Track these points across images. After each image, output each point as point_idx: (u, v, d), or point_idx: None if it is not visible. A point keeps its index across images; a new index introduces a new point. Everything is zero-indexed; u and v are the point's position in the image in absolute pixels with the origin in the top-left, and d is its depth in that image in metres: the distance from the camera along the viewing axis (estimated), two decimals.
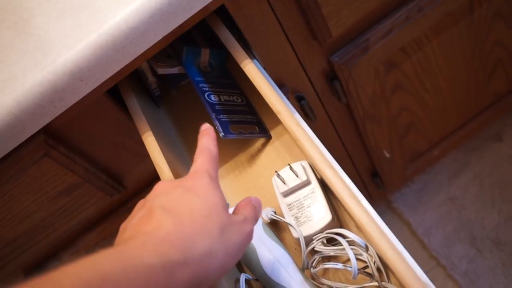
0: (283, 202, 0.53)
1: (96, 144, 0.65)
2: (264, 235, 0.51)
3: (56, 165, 0.60)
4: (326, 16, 0.64)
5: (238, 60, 0.57)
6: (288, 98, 0.72)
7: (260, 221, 0.53)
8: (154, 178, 0.75)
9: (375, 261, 0.46)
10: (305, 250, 0.49)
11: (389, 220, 1.24)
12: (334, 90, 0.77)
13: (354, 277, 0.45)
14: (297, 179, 0.52)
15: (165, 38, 0.53)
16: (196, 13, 0.53)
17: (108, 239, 0.76)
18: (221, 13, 0.59)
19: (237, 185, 0.60)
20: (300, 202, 0.52)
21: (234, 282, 0.49)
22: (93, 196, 0.67)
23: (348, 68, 0.73)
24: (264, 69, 0.64)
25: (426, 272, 0.43)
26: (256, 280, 0.51)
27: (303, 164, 0.54)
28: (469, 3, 0.76)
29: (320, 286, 0.49)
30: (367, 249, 0.46)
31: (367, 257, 0.46)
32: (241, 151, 0.62)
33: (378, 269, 0.46)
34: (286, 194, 0.53)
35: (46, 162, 0.59)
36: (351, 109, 0.82)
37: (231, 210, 0.54)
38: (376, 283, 0.46)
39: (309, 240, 0.50)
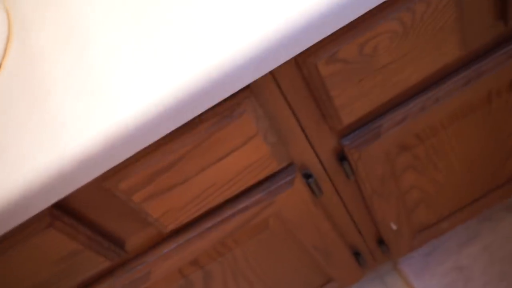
0: None
1: (100, 210, 0.66)
2: None
3: (59, 234, 0.61)
4: (338, 108, 0.64)
5: None
6: (295, 176, 0.72)
7: None
8: (156, 242, 0.75)
9: None
10: None
11: (394, 282, 1.22)
12: (343, 169, 0.77)
13: None
14: None
15: None
16: None
17: None
18: None
19: None
20: None
21: None
22: (94, 261, 0.68)
23: (358, 151, 0.73)
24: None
25: None
26: None
27: None
28: (488, 94, 0.75)
29: None
30: None
31: None
32: None
33: None
34: None
35: (50, 233, 0.60)
36: (359, 186, 0.82)
37: None
38: None
39: None
